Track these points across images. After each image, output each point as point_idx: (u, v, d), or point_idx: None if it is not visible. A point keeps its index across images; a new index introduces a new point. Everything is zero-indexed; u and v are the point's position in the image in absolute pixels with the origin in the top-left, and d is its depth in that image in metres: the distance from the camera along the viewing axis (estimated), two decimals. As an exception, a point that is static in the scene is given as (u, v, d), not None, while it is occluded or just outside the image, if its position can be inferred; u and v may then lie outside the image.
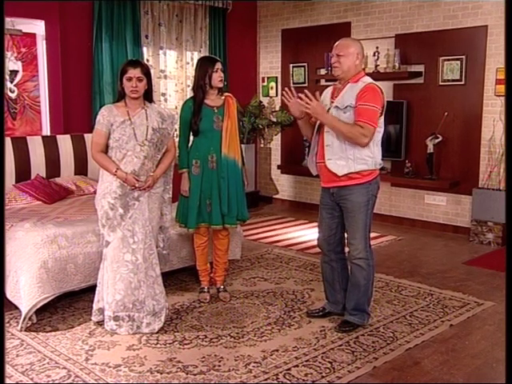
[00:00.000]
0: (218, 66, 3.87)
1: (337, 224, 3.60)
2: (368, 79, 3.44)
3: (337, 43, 3.47)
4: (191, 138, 3.98)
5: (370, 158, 3.41)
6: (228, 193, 3.91)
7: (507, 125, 2.97)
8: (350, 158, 3.39)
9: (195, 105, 3.87)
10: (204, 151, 3.90)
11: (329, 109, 3.45)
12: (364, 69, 6.01)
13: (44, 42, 5.61)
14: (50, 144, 5.28)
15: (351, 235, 3.51)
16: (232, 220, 3.99)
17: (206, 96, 3.88)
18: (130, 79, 3.48)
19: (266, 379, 2.95)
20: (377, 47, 6.33)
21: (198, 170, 3.92)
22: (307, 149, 7.05)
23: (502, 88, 5.43)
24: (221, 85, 3.90)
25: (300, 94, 3.42)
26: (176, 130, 4.03)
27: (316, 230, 6.14)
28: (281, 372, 3.03)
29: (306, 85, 7.09)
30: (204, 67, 3.86)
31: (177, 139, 4.04)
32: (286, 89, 3.54)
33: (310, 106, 3.36)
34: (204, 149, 3.90)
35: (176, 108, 6.58)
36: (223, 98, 3.97)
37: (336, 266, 3.68)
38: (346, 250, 3.69)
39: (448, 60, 5.92)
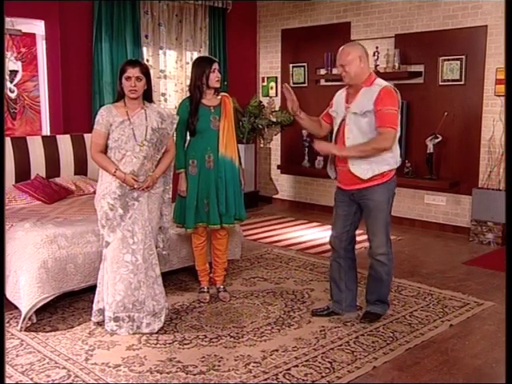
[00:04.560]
0: (215, 66, 3.87)
1: (351, 221, 3.64)
2: (381, 82, 3.51)
3: (338, 53, 3.53)
4: (188, 137, 3.98)
5: (391, 158, 3.49)
6: (226, 192, 3.91)
7: (507, 125, 2.97)
8: (372, 161, 3.44)
9: (192, 105, 3.87)
10: (201, 151, 3.90)
11: (345, 115, 3.50)
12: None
13: (44, 41, 5.60)
14: (50, 144, 5.28)
15: (372, 232, 3.56)
16: (230, 219, 3.99)
17: (202, 96, 3.89)
18: (128, 79, 3.47)
19: (265, 379, 2.95)
20: (376, 47, 6.32)
21: (195, 170, 3.92)
22: (307, 149, 7.08)
23: (501, 88, 5.43)
24: (218, 85, 3.90)
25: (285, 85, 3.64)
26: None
27: (316, 230, 6.25)
28: (281, 372, 3.03)
29: (305, 85, 7.10)
30: (201, 67, 3.86)
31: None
32: (285, 86, 3.65)
33: (318, 148, 3.50)
34: (201, 148, 3.90)
35: (175, 108, 6.57)
36: (220, 97, 3.97)
37: (344, 265, 3.69)
38: (355, 250, 3.75)
39: (448, 60, 5.92)
